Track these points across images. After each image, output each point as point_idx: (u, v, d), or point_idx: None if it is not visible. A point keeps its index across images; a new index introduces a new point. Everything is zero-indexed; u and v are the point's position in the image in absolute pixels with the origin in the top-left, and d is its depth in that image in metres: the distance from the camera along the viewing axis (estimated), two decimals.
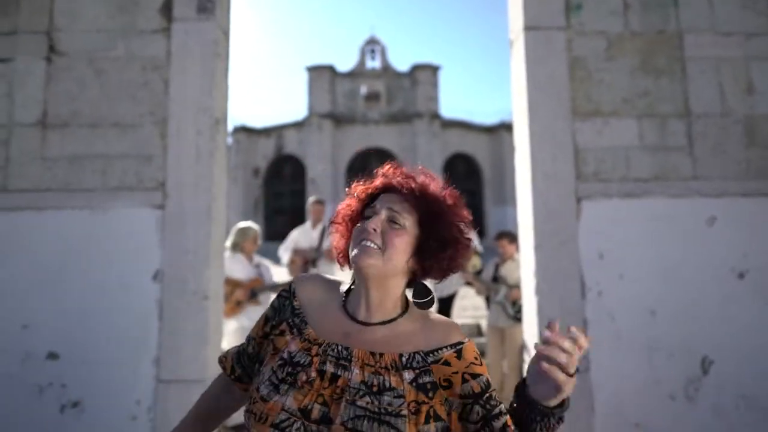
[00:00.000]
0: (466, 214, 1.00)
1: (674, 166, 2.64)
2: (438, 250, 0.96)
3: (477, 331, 5.90)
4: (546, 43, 2.71)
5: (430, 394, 0.89)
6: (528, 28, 2.72)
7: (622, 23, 2.73)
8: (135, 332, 2.49)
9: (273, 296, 4.45)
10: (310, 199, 4.99)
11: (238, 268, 3.94)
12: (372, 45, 27.83)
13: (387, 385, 0.88)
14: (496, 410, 0.91)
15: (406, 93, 26.59)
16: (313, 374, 0.89)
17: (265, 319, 1.06)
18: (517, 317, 4.09)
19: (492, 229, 21.46)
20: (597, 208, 2.60)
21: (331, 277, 1.10)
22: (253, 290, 3.95)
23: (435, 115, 25.66)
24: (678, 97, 2.68)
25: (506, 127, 24.20)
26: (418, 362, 0.91)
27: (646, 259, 2.56)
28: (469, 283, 4.98)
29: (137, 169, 2.61)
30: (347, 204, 1.04)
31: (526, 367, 2.76)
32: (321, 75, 26.56)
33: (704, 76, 2.69)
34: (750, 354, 2.49)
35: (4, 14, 2.68)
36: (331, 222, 1.06)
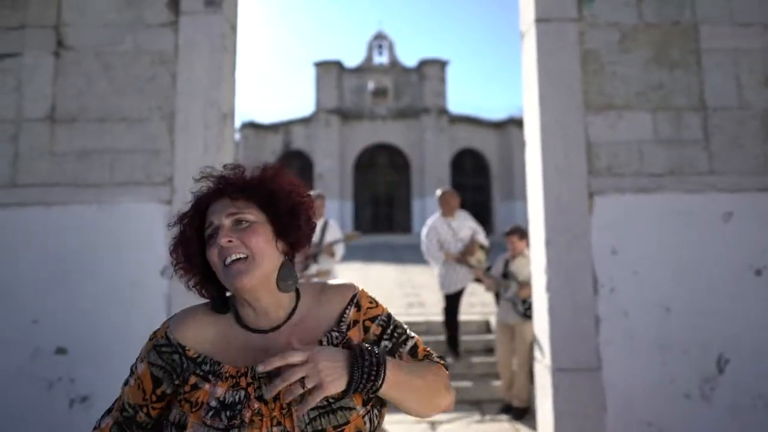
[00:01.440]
0: (290, 174, 0.99)
1: (689, 161, 2.59)
2: (292, 220, 0.95)
3: (486, 327, 5.86)
4: (558, 35, 2.66)
5: None
6: (539, 20, 2.67)
7: (635, 14, 2.67)
8: (143, 328, 2.47)
9: None
10: (311, 194, 4.97)
11: None
12: (380, 40, 27.73)
13: None
14: (403, 337, 0.99)
15: (413, 88, 26.48)
16: (256, 405, 0.86)
17: (154, 381, 0.93)
18: (527, 314, 4.05)
19: (500, 225, 21.36)
20: (610, 204, 2.56)
21: (196, 305, 1.01)
22: None
23: (443, 111, 25.53)
24: (693, 90, 2.62)
25: (515, 123, 24.05)
26: (336, 338, 0.94)
27: (661, 255, 2.51)
28: (478, 280, 4.94)
29: (145, 164, 2.60)
30: (181, 236, 0.96)
31: (535, 364, 2.73)
32: (328, 70, 26.51)
33: (720, 69, 2.62)
34: (767, 352, 2.44)
35: (13, 9, 2.67)
36: (175, 267, 0.97)
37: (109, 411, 1.00)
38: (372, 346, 0.89)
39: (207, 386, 0.89)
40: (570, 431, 2.44)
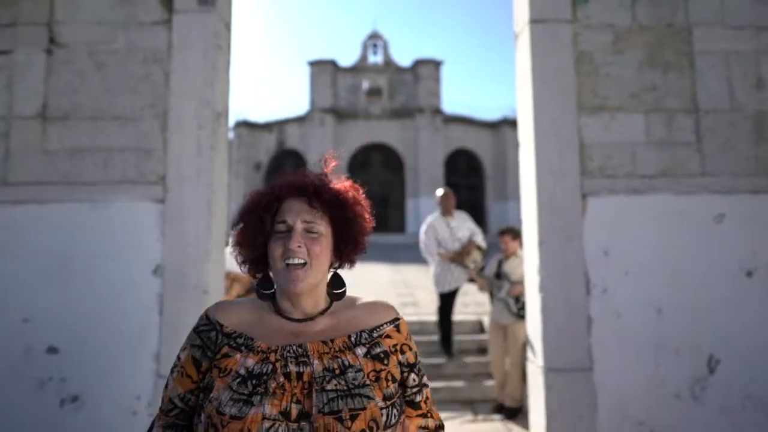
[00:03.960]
0: (366, 203, 1.07)
1: (682, 163, 2.60)
2: (353, 243, 1.05)
3: (479, 327, 5.88)
4: (552, 36, 2.67)
5: (385, 361, 1.00)
6: (534, 21, 2.68)
7: (629, 16, 2.69)
8: (135, 327, 2.47)
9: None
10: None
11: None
12: (374, 40, 27.71)
13: (346, 364, 0.96)
14: (425, 379, 1.08)
15: (408, 88, 26.49)
16: (281, 378, 0.93)
17: (195, 363, 1.00)
18: (520, 314, 4.06)
19: (493, 225, 21.42)
20: (603, 205, 2.57)
21: (233, 300, 1.12)
22: (253, 285, 3.92)
23: (437, 111, 25.57)
24: (686, 92, 2.64)
25: (509, 123, 24.12)
26: (365, 339, 1.01)
27: (653, 257, 2.53)
28: (471, 280, 4.95)
29: (138, 163, 2.58)
30: (249, 214, 1.03)
31: (528, 364, 2.74)
32: (323, 69, 26.47)
33: (713, 71, 2.64)
34: (758, 353, 2.46)
35: (4, 5, 2.65)
36: (236, 242, 1.04)
37: (150, 429, 1.06)
38: None
39: (238, 356, 0.96)
40: (562, 431, 2.45)
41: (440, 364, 4.96)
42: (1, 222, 2.52)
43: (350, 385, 0.93)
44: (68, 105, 2.61)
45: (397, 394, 1.00)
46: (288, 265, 0.97)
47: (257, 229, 1.01)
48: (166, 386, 1.03)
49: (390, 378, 0.99)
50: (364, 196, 1.07)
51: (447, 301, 5.04)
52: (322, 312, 1.03)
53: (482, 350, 5.31)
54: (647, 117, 2.64)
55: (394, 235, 22.65)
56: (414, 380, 1.05)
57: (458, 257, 4.88)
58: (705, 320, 2.49)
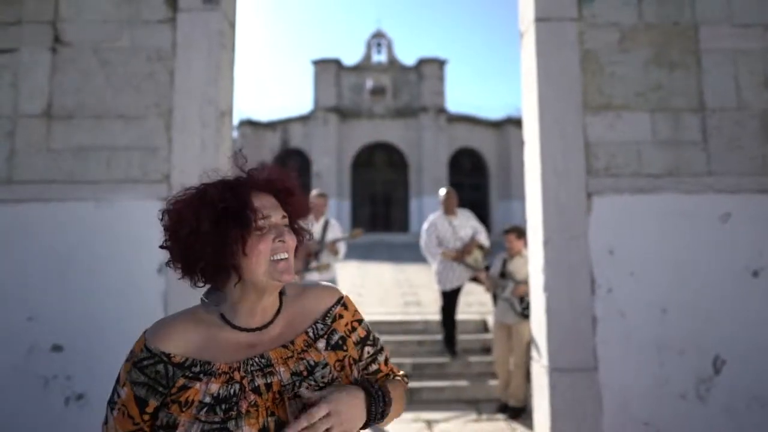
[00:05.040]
0: (298, 179, 1.05)
1: (688, 162, 2.59)
2: (302, 226, 1.04)
3: (483, 327, 5.86)
4: (557, 34, 2.65)
5: (344, 347, 1.00)
6: (539, 19, 2.67)
7: (635, 15, 2.67)
8: (140, 325, 2.46)
9: None
10: (313, 193, 4.97)
11: None
12: (378, 39, 27.68)
13: (312, 363, 0.95)
14: (379, 344, 1.09)
15: (412, 87, 26.44)
16: (252, 396, 0.89)
17: (138, 402, 0.89)
18: (524, 314, 4.04)
19: (498, 224, 21.36)
20: (608, 204, 2.56)
21: (170, 316, 1.01)
22: None
23: (441, 110, 25.51)
24: (692, 90, 2.62)
25: (513, 122, 24.05)
26: (322, 329, 1.00)
27: (658, 256, 2.51)
28: (475, 279, 4.94)
29: (142, 162, 2.58)
30: (210, 219, 0.91)
31: (532, 363, 2.73)
32: (327, 68, 26.45)
33: (720, 70, 2.62)
34: (763, 353, 2.45)
35: (9, 4, 2.65)
36: (184, 251, 0.93)
37: None
38: (380, 383, 1.00)
39: (198, 385, 0.89)
40: (566, 431, 2.44)
41: (444, 363, 4.96)
42: (5, 220, 2.53)
43: (320, 384, 0.93)
44: (73, 104, 2.61)
45: (360, 374, 1.02)
46: (274, 260, 0.94)
47: (222, 230, 0.90)
48: (106, 422, 0.93)
49: (352, 362, 1.00)
50: (293, 173, 1.06)
51: (450, 299, 5.04)
52: (277, 313, 0.99)
53: (486, 350, 5.30)
54: (653, 116, 2.62)
55: (397, 234, 22.63)
56: (368, 352, 1.06)
57: (459, 255, 4.87)
58: (710, 320, 2.47)
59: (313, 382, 0.93)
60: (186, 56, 2.62)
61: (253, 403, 0.88)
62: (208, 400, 0.87)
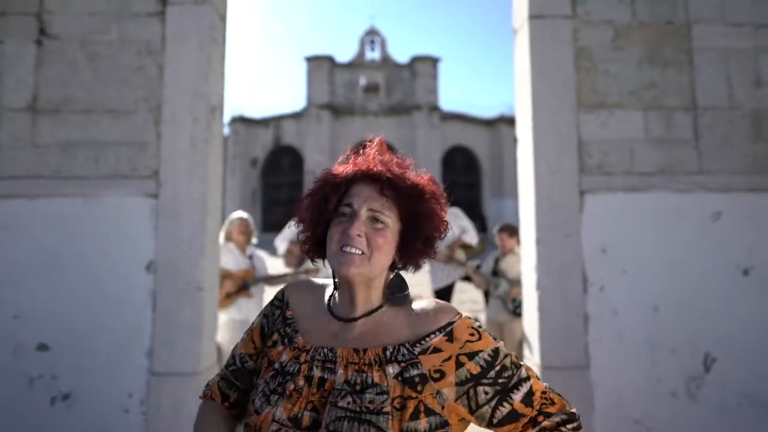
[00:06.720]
0: (444, 200, 0.96)
1: (680, 160, 2.59)
2: (422, 243, 0.93)
3: None
4: (551, 32, 2.64)
5: (419, 388, 0.83)
6: (533, 16, 2.65)
7: (629, 13, 2.66)
8: (128, 324, 2.43)
9: (267, 289, 4.25)
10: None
11: (228, 258, 3.87)
12: (372, 36, 27.62)
13: (369, 381, 0.84)
14: (513, 380, 0.87)
15: (405, 85, 26.44)
16: (301, 382, 0.86)
17: (261, 331, 1.00)
18: (516, 312, 4.05)
19: (490, 221, 21.43)
20: (600, 202, 2.55)
21: (319, 281, 1.05)
22: (245, 282, 3.88)
23: (434, 108, 25.55)
24: (685, 89, 2.63)
25: (506, 120, 24.13)
26: (403, 355, 0.86)
27: (650, 255, 2.52)
28: (467, 278, 4.94)
29: (131, 157, 2.54)
30: (316, 192, 0.95)
31: (525, 361, 2.73)
32: (320, 65, 26.38)
33: (712, 68, 2.63)
34: (753, 352, 2.46)
35: None
36: (299, 218, 0.97)
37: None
38: None
39: (280, 348, 0.94)
40: None
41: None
42: None
43: (363, 408, 0.81)
44: (60, 98, 2.56)
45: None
46: (345, 251, 0.88)
47: (321, 209, 0.93)
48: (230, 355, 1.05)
49: (423, 410, 0.82)
50: (444, 194, 0.95)
51: (442, 297, 5.04)
52: (369, 313, 0.92)
53: None
54: (646, 114, 2.62)
55: None
56: (486, 393, 0.86)
57: (441, 255, 4.86)
58: (701, 318, 2.48)
59: (358, 401, 0.82)
60: (176, 50, 2.58)
61: (298, 389, 0.86)
62: (277, 366, 0.91)
